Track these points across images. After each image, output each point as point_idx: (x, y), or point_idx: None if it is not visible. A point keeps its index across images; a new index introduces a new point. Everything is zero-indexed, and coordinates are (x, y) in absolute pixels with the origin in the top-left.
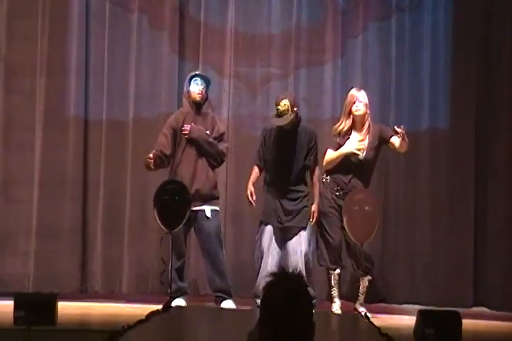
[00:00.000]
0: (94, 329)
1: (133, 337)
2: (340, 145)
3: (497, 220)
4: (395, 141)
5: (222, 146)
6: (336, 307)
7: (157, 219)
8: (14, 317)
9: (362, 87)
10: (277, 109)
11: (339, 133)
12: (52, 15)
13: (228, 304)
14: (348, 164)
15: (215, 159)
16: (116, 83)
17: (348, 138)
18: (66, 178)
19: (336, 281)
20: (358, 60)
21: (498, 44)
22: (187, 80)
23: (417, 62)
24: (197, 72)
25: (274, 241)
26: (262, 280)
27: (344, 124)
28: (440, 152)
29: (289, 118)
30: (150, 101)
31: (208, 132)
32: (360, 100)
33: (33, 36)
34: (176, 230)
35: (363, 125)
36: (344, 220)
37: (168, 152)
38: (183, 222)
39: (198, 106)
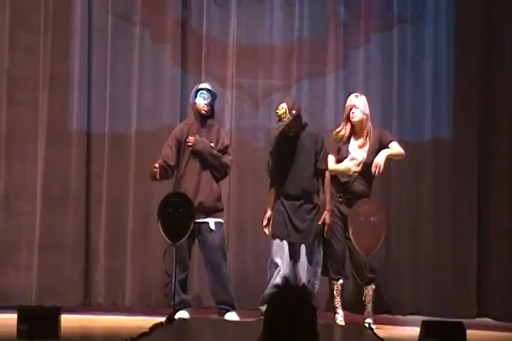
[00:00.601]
0: None
1: None
2: (339, 150)
3: (500, 230)
4: (393, 146)
5: (226, 159)
6: (340, 318)
7: (161, 231)
8: (17, 330)
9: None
10: (276, 114)
11: (340, 139)
12: (55, 27)
13: (232, 316)
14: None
15: (219, 172)
16: (118, 96)
17: (348, 143)
18: (69, 191)
19: (338, 292)
20: (360, 71)
21: (499, 51)
22: (193, 92)
23: (419, 73)
24: (204, 86)
25: (285, 253)
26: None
27: (344, 130)
28: (443, 162)
29: (287, 121)
30: (152, 114)
31: (212, 144)
32: (356, 106)
33: (35, 48)
34: (179, 242)
35: (362, 130)
36: (350, 231)
37: (172, 163)
38: (187, 234)
39: (202, 118)
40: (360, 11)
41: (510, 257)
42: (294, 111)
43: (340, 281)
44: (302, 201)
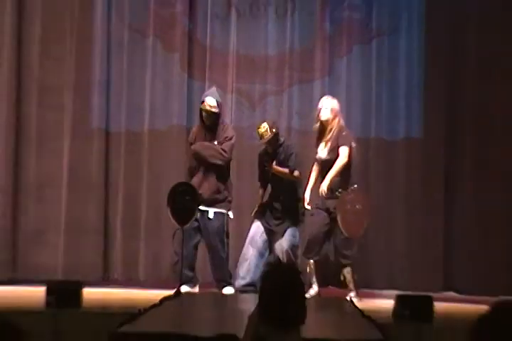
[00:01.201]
0: (115, 312)
1: (148, 319)
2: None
3: (463, 216)
4: (341, 151)
5: (224, 145)
6: (311, 292)
7: (170, 216)
8: (46, 301)
9: (347, 100)
10: (258, 133)
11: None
12: (79, 39)
13: (228, 290)
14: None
15: (218, 158)
16: (133, 99)
17: (319, 143)
18: (90, 182)
19: (311, 270)
20: (343, 78)
21: (463, 58)
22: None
23: (394, 80)
24: (209, 94)
25: (259, 235)
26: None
27: (315, 127)
28: (415, 158)
29: (268, 138)
30: (163, 115)
31: (215, 142)
32: (325, 106)
33: (62, 58)
34: (187, 226)
35: (331, 130)
36: (338, 217)
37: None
38: (193, 218)
39: (207, 121)
40: (343, 25)
41: (472, 241)
42: (274, 130)
43: (311, 261)
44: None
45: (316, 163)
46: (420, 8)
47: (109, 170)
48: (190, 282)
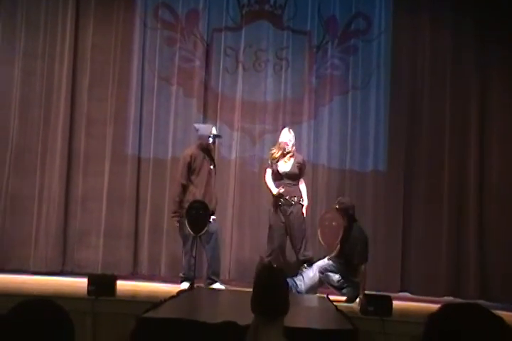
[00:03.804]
0: (141, 301)
1: (167, 307)
2: (271, 166)
3: (418, 233)
4: (302, 181)
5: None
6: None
7: (187, 226)
8: (88, 290)
9: (328, 139)
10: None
11: (273, 159)
12: (119, 85)
13: (217, 286)
14: (278, 178)
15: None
16: (160, 132)
17: (278, 162)
18: (124, 196)
19: None
20: (326, 122)
21: (419, 111)
22: (207, 133)
23: (365, 124)
24: (215, 132)
25: None
26: None
27: (276, 153)
28: (381, 185)
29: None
30: (182, 146)
31: (211, 167)
32: (290, 140)
33: (104, 98)
34: (201, 234)
35: (289, 154)
36: (318, 232)
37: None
38: (206, 228)
39: (211, 145)
40: (326, 80)
41: (425, 251)
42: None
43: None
44: None
45: (272, 174)
46: (387, 70)
47: (139, 188)
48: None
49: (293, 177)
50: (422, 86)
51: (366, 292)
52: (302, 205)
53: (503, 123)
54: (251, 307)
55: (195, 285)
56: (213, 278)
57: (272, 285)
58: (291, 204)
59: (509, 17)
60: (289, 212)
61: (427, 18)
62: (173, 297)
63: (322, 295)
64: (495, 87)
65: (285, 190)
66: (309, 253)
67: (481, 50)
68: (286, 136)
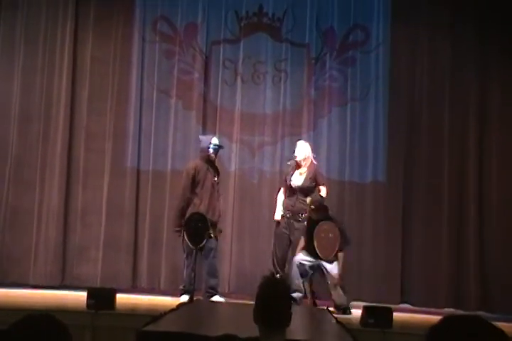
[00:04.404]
0: (141, 314)
1: (167, 320)
2: (285, 183)
3: (417, 244)
4: (322, 188)
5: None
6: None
7: (186, 238)
8: (87, 304)
9: (327, 150)
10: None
11: (286, 173)
12: (118, 98)
13: (216, 298)
14: (292, 193)
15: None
16: (159, 145)
17: (292, 176)
18: (124, 209)
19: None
20: (325, 133)
21: (418, 121)
22: (207, 143)
23: (364, 135)
24: (215, 142)
25: None
26: None
27: (290, 166)
28: (380, 196)
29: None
30: (182, 158)
31: (216, 179)
32: (300, 152)
33: (104, 112)
34: (199, 246)
35: (305, 165)
36: (314, 243)
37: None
38: (204, 241)
39: (215, 156)
40: (325, 92)
41: (426, 262)
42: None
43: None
44: None
45: (286, 189)
46: (385, 82)
47: (138, 201)
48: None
49: (306, 191)
50: (420, 97)
51: (366, 304)
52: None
53: (502, 132)
54: (253, 317)
55: (195, 298)
56: (211, 291)
57: (274, 296)
58: (299, 221)
59: (508, 27)
60: (295, 227)
61: (425, 28)
62: (173, 310)
63: (322, 308)
64: (494, 97)
65: (295, 207)
66: None
67: (479, 60)
68: (297, 149)
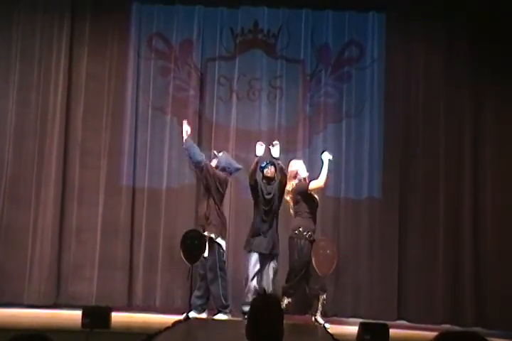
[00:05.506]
0: (137, 332)
1: (163, 338)
2: None
3: (414, 260)
4: (312, 184)
5: None
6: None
7: (182, 256)
8: (82, 322)
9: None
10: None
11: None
12: (113, 115)
13: (220, 316)
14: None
15: None
16: (154, 163)
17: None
18: (119, 227)
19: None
20: (320, 150)
21: (413, 140)
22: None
23: (359, 152)
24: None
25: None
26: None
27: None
28: (375, 213)
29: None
30: (177, 176)
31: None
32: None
33: (99, 129)
34: (195, 264)
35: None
36: (313, 260)
37: None
38: (200, 258)
39: None
40: (320, 108)
41: (422, 278)
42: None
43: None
44: None
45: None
46: (380, 98)
47: (134, 219)
48: (197, 309)
49: (302, 208)
50: (415, 112)
51: (363, 320)
52: (312, 242)
53: (497, 147)
54: (246, 334)
55: (191, 317)
56: (219, 309)
57: (267, 312)
58: (305, 239)
59: (503, 41)
60: (301, 245)
61: (419, 44)
62: (168, 328)
63: (319, 324)
64: (489, 112)
65: (303, 225)
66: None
67: (474, 75)
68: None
